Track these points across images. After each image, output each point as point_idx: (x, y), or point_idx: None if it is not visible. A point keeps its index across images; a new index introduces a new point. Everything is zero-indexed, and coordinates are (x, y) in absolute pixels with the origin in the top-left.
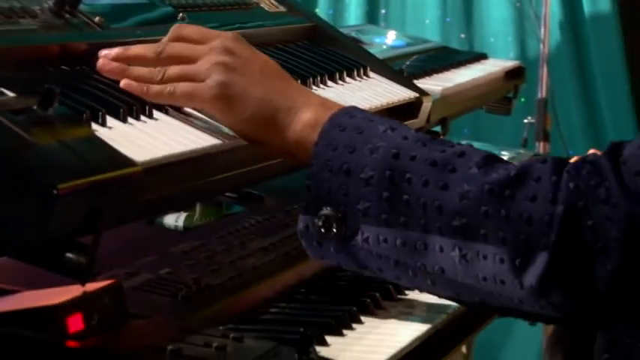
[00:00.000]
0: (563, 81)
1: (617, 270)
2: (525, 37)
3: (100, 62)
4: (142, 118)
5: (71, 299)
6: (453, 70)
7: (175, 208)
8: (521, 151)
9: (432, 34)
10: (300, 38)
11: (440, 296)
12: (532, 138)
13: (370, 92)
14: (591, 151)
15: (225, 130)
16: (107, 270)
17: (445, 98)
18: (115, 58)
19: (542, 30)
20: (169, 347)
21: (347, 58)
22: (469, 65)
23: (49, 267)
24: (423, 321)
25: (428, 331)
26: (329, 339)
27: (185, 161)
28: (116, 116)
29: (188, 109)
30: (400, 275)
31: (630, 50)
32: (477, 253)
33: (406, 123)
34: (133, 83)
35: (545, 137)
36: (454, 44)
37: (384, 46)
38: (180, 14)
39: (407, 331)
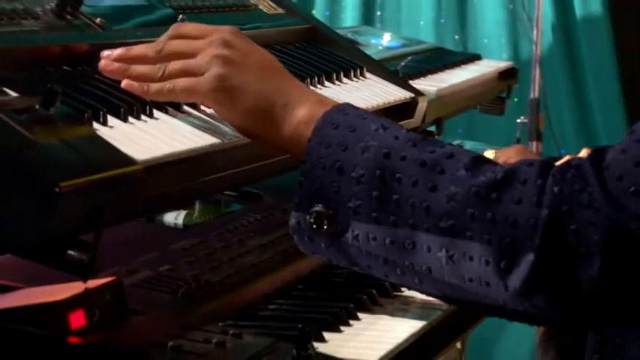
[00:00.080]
0: (555, 81)
1: (599, 274)
2: (518, 39)
3: (102, 63)
4: (143, 117)
5: (73, 296)
6: (447, 71)
7: (175, 206)
8: None
9: (426, 35)
10: (298, 39)
11: (427, 295)
12: (525, 137)
13: (366, 92)
14: (584, 150)
15: (224, 129)
16: (108, 267)
17: (440, 98)
18: (117, 59)
19: (535, 32)
20: (169, 343)
21: (344, 58)
22: (463, 66)
23: (51, 264)
24: (419, 317)
25: (423, 328)
26: (326, 335)
27: (185, 160)
28: (117, 116)
29: (187, 108)
30: (389, 273)
31: (621, 51)
32: (464, 255)
33: (402, 123)
34: (134, 83)
35: (538, 137)
36: (448, 45)
37: (380, 47)
38: (180, 16)
39: (403, 328)
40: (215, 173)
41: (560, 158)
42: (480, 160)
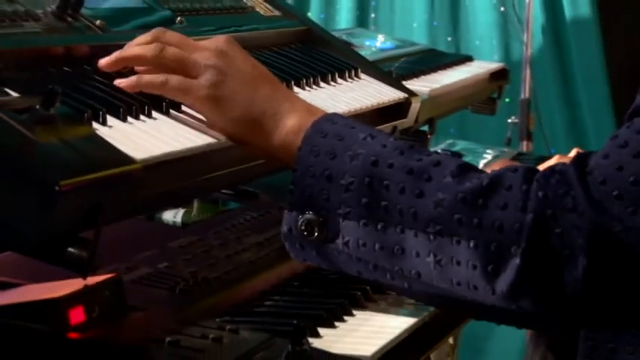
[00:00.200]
0: (545, 82)
1: (583, 276)
2: (509, 41)
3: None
4: (142, 117)
5: (73, 292)
6: (440, 72)
7: (174, 204)
8: (505, 149)
9: (419, 37)
10: (294, 41)
11: (416, 299)
12: (516, 137)
13: (361, 93)
14: (574, 150)
15: None
16: (107, 264)
17: (432, 99)
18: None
19: (525, 34)
20: (167, 338)
21: (338, 60)
22: (455, 67)
23: (51, 261)
24: (412, 314)
25: (416, 324)
26: (321, 331)
27: (183, 159)
28: (116, 116)
29: (186, 109)
30: (378, 278)
31: (609, 53)
32: (451, 259)
33: (395, 123)
34: (125, 80)
35: (529, 136)
36: (441, 47)
37: (374, 49)
38: (179, 18)
39: (396, 323)
40: (212, 172)
41: (549, 158)
42: (465, 167)
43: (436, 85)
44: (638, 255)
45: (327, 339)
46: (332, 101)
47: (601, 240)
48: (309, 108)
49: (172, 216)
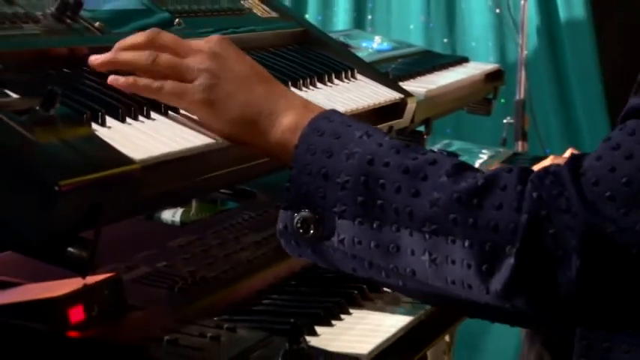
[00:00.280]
0: (540, 83)
1: (576, 276)
2: (505, 42)
3: (92, 59)
4: (140, 118)
5: (72, 291)
6: (436, 73)
7: (172, 204)
8: (501, 149)
9: (416, 38)
10: (291, 42)
11: (411, 296)
12: (511, 137)
13: (357, 93)
14: (569, 150)
15: None
16: (107, 263)
17: (429, 99)
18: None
19: (521, 35)
20: (166, 337)
21: (335, 61)
22: (451, 68)
23: (51, 261)
24: (408, 312)
25: (412, 322)
26: (318, 329)
27: (181, 159)
28: (115, 116)
29: (183, 110)
30: (373, 276)
31: (603, 54)
32: (446, 258)
33: (391, 123)
34: (120, 78)
35: (524, 137)
36: (437, 48)
37: (371, 50)
38: (177, 19)
39: (392, 322)
40: (211, 172)
41: (544, 158)
42: (461, 167)
43: (432, 86)
44: (631, 255)
45: (325, 337)
46: (329, 102)
47: (594, 241)
48: (306, 104)
49: (171, 215)
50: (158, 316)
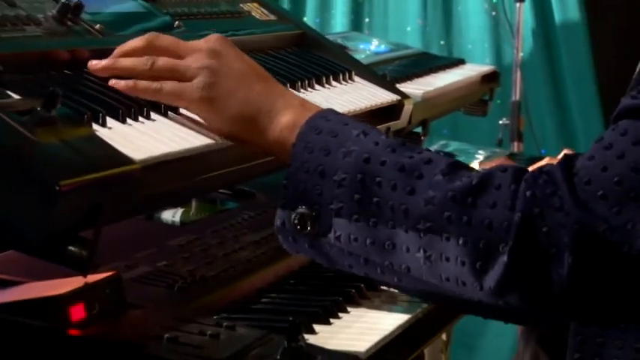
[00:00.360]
0: (535, 85)
1: (568, 273)
2: (500, 44)
3: (92, 64)
4: (140, 119)
5: (73, 290)
6: (433, 75)
7: (172, 204)
8: (497, 150)
9: (413, 41)
10: (289, 45)
11: (406, 293)
12: (507, 138)
13: (355, 95)
14: (564, 151)
15: None
16: (107, 262)
17: (426, 101)
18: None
19: (516, 37)
20: (166, 335)
21: (333, 63)
22: (448, 70)
23: (52, 259)
24: (405, 311)
25: (409, 320)
26: (317, 327)
27: (181, 159)
28: (115, 117)
29: (183, 111)
30: (369, 272)
31: (598, 55)
32: (440, 255)
33: (389, 124)
34: (121, 82)
35: (519, 137)
36: (434, 50)
37: (368, 52)
38: (177, 22)
39: (390, 320)
40: (210, 172)
41: (540, 158)
42: (456, 166)
43: (429, 88)
44: (622, 253)
45: (322, 335)
46: (327, 103)
47: (586, 238)
48: (304, 103)
49: (171, 215)
50: (158, 315)
